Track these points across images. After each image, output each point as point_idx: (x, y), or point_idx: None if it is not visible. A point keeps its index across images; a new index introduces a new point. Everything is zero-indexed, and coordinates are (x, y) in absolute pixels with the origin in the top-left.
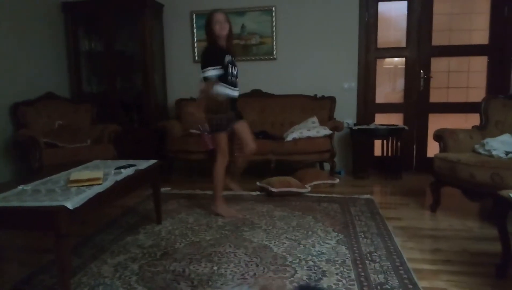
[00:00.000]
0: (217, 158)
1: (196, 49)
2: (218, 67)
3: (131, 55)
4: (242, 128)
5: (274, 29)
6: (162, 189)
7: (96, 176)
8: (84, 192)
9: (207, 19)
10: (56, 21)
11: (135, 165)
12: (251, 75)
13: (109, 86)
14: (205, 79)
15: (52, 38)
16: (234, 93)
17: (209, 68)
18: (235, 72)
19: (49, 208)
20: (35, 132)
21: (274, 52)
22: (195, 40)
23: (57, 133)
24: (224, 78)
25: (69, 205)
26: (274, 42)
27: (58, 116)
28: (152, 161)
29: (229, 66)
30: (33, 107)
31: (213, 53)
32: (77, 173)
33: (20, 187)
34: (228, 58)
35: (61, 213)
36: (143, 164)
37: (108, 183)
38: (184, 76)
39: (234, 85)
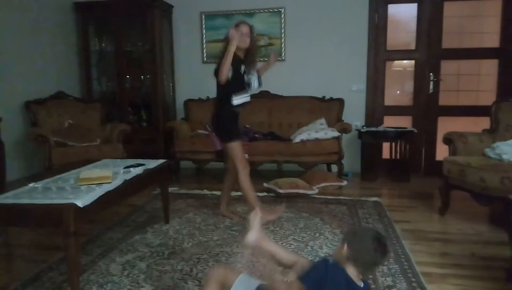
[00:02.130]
0: (238, 170)
1: (205, 50)
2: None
3: (140, 55)
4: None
5: (283, 30)
6: (170, 189)
7: (106, 175)
8: (94, 191)
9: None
10: (68, 21)
11: (144, 165)
12: None
13: (118, 86)
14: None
15: (63, 38)
16: (245, 99)
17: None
18: (250, 82)
19: (59, 205)
20: (45, 130)
21: (283, 53)
22: (204, 41)
23: (67, 132)
24: (240, 85)
25: (79, 203)
26: (283, 44)
27: (68, 115)
28: (160, 161)
29: (245, 75)
30: (43, 106)
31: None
32: (87, 172)
33: (31, 185)
34: (243, 68)
35: (70, 210)
36: (152, 164)
37: (117, 182)
38: (193, 77)
39: (245, 92)
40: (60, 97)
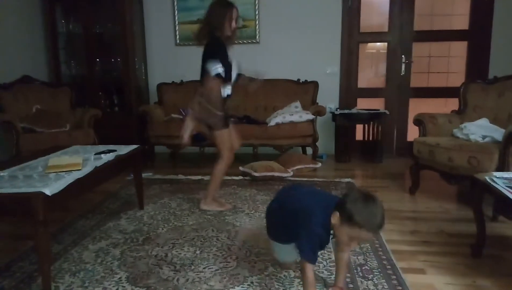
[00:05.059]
0: (222, 155)
1: (178, 32)
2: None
3: (110, 37)
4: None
5: (257, 12)
6: (144, 174)
7: (76, 162)
8: (63, 178)
9: (221, 10)
10: (33, 2)
11: (115, 151)
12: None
13: (88, 69)
14: (217, 75)
15: (28, 20)
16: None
17: (217, 65)
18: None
19: (27, 194)
20: (12, 116)
21: (257, 35)
22: (177, 23)
23: (35, 118)
24: (228, 75)
25: (48, 191)
26: (257, 26)
27: (35, 100)
28: (133, 146)
29: (232, 63)
30: (9, 91)
31: (220, 47)
32: (55, 159)
33: None
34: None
35: (39, 199)
36: (124, 149)
37: (88, 169)
38: (166, 60)
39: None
40: (27, 81)
